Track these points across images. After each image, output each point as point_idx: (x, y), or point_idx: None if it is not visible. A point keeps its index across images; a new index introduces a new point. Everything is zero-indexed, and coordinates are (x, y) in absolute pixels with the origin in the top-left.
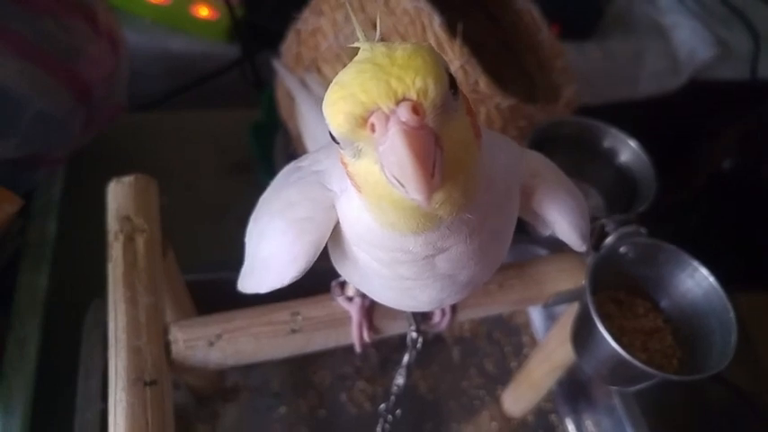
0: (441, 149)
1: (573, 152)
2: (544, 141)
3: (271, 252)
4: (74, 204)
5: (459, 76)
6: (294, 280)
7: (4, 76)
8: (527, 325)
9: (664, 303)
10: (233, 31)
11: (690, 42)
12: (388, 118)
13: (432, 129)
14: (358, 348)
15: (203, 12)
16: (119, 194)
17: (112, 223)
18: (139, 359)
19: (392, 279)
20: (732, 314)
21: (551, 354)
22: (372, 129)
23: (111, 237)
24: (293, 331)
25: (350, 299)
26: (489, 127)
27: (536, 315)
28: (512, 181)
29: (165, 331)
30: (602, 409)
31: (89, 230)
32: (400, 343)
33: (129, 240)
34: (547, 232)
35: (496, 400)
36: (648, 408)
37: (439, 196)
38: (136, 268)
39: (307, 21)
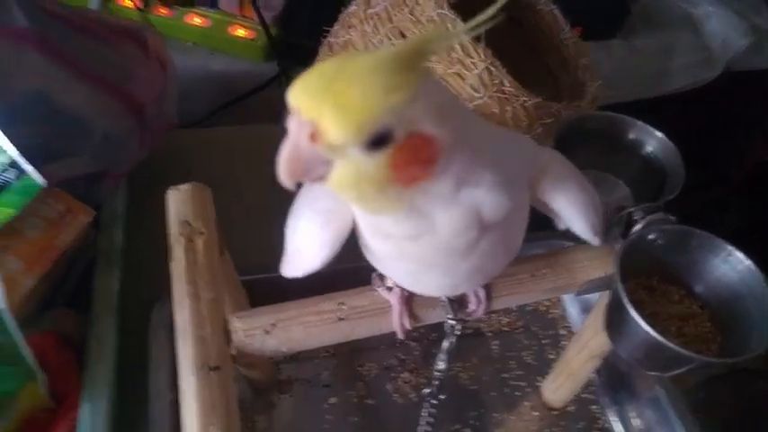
0: (327, 167)
1: (598, 146)
2: (569, 136)
3: (302, 240)
4: (136, 213)
5: (483, 78)
6: (324, 264)
7: (75, 101)
8: (563, 318)
9: (698, 289)
10: (269, 49)
11: (722, 32)
12: (298, 121)
13: (319, 153)
14: (400, 335)
15: (240, 32)
16: (177, 201)
17: (173, 227)
18: (204, 348)
19: (397, 261)
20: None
21: (587, 343)
22: None
23: (172, 239)
24: (339, 319)
25: (389, 289)
26: (516, 125)
27: (571, 308)
28: (515, 177)
29: (226, 322)
30: (646, 399)
31: (151, 236)
32: (439, 337)
33: (190, 242)
34: (562, 226)
35: (537, 391)
36: (694, 401)
37: (346, 196)
38: (196, 266)
39: (338, 34)
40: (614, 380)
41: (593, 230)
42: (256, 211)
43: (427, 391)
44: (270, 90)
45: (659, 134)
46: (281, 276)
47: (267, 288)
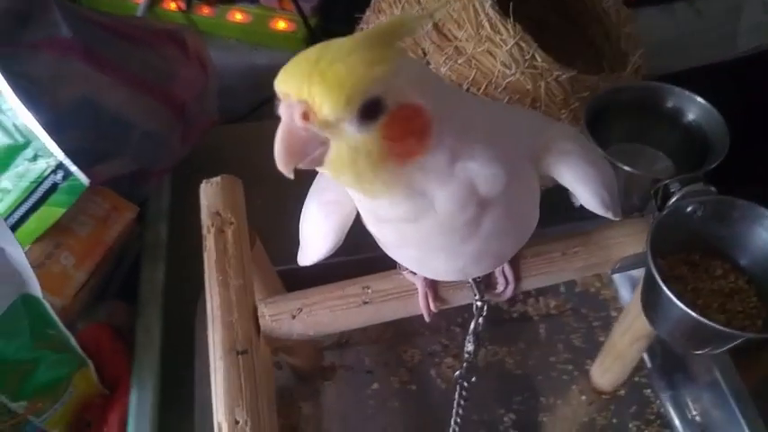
0: (322, 147)
1: (635, 118)
2: (602, 110)
3: (309, 230)
4: (180, 208)
5: (514, 53)
6: (330, 252)
7: (118, 104)
8: (615, 299)
9: (744, 263)
10: (309, 40)
11: None
12: (288, 106)
13: (313, 133)
14: (426, 317)
15: (281, 25)
16: (209, 193)
17: (205, 218)
18: (231, 332)
19: (401, 248)
20: None
21: (632, 324)
22: None
23: (204, 230)
24: (364, 303)
25: (414, 272)
26: (551, 100)
27: (623, 288)
28: (513, 151)
29: (255, 308)
30: (702, 383)
31: (195, 229)
32: (483, 323)
33: (220, 232)
34: (577, 202)
35: (585, 375)
36: (752, 382)
37: (327, 173)
38: (226, 255)
39: (368, 20)
40: (669, 363)
41: (604, 204)
42: (296, 203)
43: (458, 373)
44: None
45: (700, 100)
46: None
47: (305, 278)
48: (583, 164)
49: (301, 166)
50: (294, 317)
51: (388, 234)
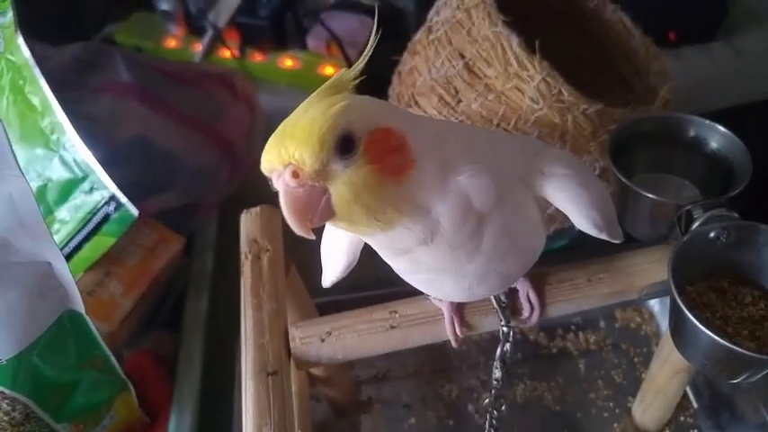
0: (324, 195)
1: (657, 148)
2: (625, 142)
3: (325, 252)
4: (226, 240)
5: (541, 89)
6: (344, 273)
7: (168, 141)
8: (656, 334)
9: None
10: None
11: None
12: (279, 176)
13: (311, 186)
14: (454, 343)
15: (329, 71)
16: (248, 222)
17: (243, 245)
18: (263, 353)
19: (412, 273)
20: None
21: (669, 355)
22: None
23: (242, 256)
24: (392, 327)
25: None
26: (579, 133)
27: (664, 323)
28: (502, 170)
29: (286, 331)
30: (751, 423)
31: (239, 261)
32: (522, 359)
33: (257, 259)
34: (576, 226)
35: (627, 412)
36: None
37: (340, 224)
38: (261, 280)
39: (405, 62)
40: (715, 402)
41: (596, 226)
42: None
43: (487, 401)
44: None
45: (722, 128)
46: (355, 297)
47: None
48: (574, 186)
49: (315, 221)
50: (323, 340)
51: (405, 263)
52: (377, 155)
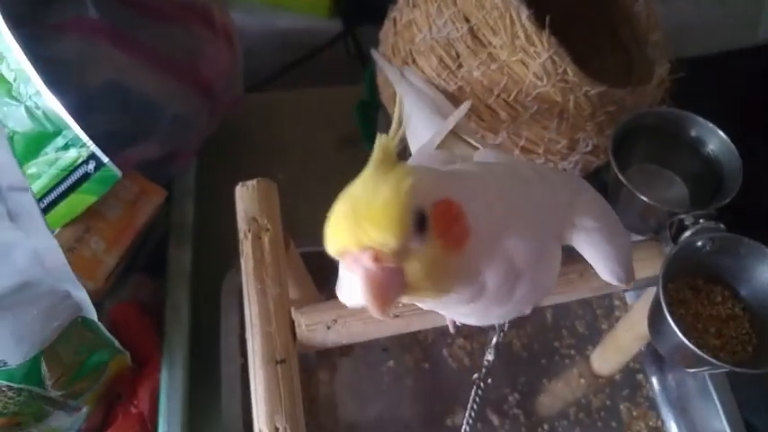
0: (402, 276)
1: (657, 141)
2: (627, 134)
3: (345, 279)
4: (206, 185)
5: (547, 66)
6: None
7: (145, 86)
8: (619, 292)
9: (743, 292)
10: (334, 4)
11: None
12: (355, 259)
13: (390, 268)
14: (452, 330)
15: None
16: (245, 197)
17: (241, 223)
18: (271, 342)
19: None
20: None
21: (635, 324)
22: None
23: (241, 235)
24: (395, 316)
25: None
26: (578, 113)
27: None
28: (546, 231)
29: (290, 316)
30: (688, 372)
31: (221, 208)
32: None
33: (257, 239)
34: None
35: (586, 360)
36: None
37: (407, 299)
38: (263, 264)
39: (402, 11)
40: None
41: (619, 280)
42: (321, 178)
43: (476, 375)
44: (335, 49)
45: (721, 134)
46: None
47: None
48: (603, 243)
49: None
50: (329, 327)
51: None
52: (443, 229)
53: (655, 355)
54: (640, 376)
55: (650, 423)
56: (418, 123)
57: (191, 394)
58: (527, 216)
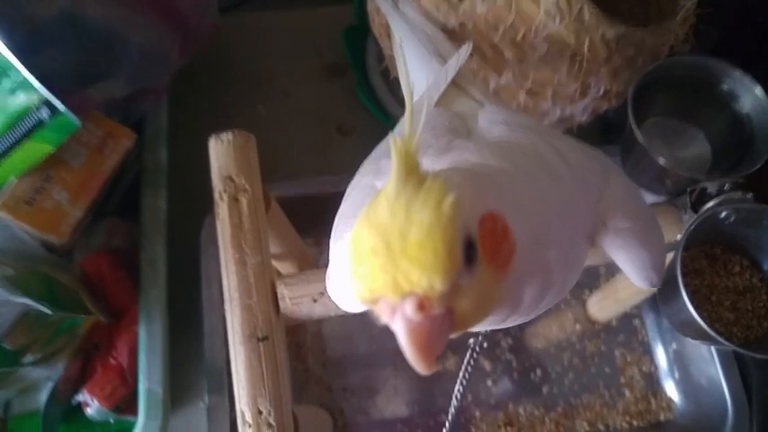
0: (451, 319)
1: (683, 93)
2: (649, 84)
3: (335, 277)
4: (180, 123)
5: (561, 4)
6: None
7: (107, 18)
8: None
9: (763, 262)
10: None
11: None
12: (393, 308)
13: (437, 315)
14: None
15: None
16: (220, 153)
17: (217, 183)
18: (251, 316)
19: None
20: None
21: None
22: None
23: (216, 195)
24: None
25: None
26: (592, 57)
27: None
28: (578, 235)
29: (273, 288)
30: (684, 315)
31: (197, 147)
32: None
33: (234, 201)
34: None
35: (582, 304)
36: None
37: (472, 322)
38: (242, 229)
39: None
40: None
41: (651, 284)
42: (305, 110)
43: (471, 340)
44: None
45: (758, 90)
46: (332, 190)
47: (317, 205)
48: (637, 248)
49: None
50: (315, 300)
51: None
52: (492, 251)
53: (652, 300)
54: (636, 321)
55: (643, 368)
56: (413, 69)
57: (171, 346)
58: (561, 221)
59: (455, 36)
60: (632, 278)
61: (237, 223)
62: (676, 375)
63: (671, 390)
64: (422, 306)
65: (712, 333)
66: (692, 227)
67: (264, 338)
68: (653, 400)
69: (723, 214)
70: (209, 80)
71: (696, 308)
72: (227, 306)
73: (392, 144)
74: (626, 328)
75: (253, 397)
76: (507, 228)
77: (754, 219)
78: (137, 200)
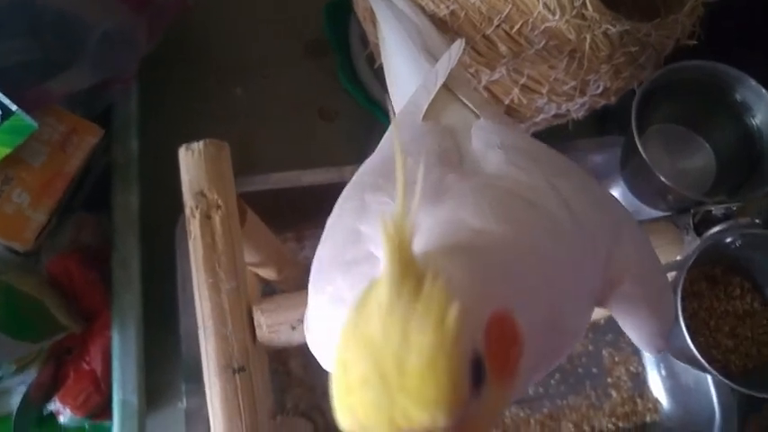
0: None
1: (691, 100)
2: (656, 90)
3: (315, 333)
4: (152, 113)
5: (563, 1)
6: None
7: (63, 2)
8: None
9: (765, 286)
10: None
11: None
12: None
13: None
14: None
15: None
16: (190, 165)
17: (188, 198)
18: (227, 346)
19: None
20: None
21: None
22: None
23: (188, 211)
24: None
25: None
26: (593, 54)
27: None
28: (586, 300)
29: (250, 315)
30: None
31: (170, 137)
32: None
33: (206, 219)
34: None
35: None
36: None
37: None
38: (215, 251)
39: None
40: None
41: (656, 351)
42: (284, 93)
43: None
44: None
45: None
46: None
47: (297, 198)
48: (646, 313)
49: None
50: (294, 328)
51: None
52: (501, 362)
53: None
54: None
55: (631, 368)
56: (400, 65)
57: (147, 344)
58: (569, 289)
59: (445, 27)
60: (637, 343)
61: (210, 244)
62: (663, 374)
63: (658, 391)
64: None
65: (708, 367)
66: (697, 253)
67: (241, 369)
68: (639, 402)
69: (729, 239)
70: (182, 64)
71: (693, 333)
72: (201, 333)
73: (383, 230)
74: (614, 327)
75: (229, 430)
76: (516, 327)
77: (760, 243)
78: (107, 194)
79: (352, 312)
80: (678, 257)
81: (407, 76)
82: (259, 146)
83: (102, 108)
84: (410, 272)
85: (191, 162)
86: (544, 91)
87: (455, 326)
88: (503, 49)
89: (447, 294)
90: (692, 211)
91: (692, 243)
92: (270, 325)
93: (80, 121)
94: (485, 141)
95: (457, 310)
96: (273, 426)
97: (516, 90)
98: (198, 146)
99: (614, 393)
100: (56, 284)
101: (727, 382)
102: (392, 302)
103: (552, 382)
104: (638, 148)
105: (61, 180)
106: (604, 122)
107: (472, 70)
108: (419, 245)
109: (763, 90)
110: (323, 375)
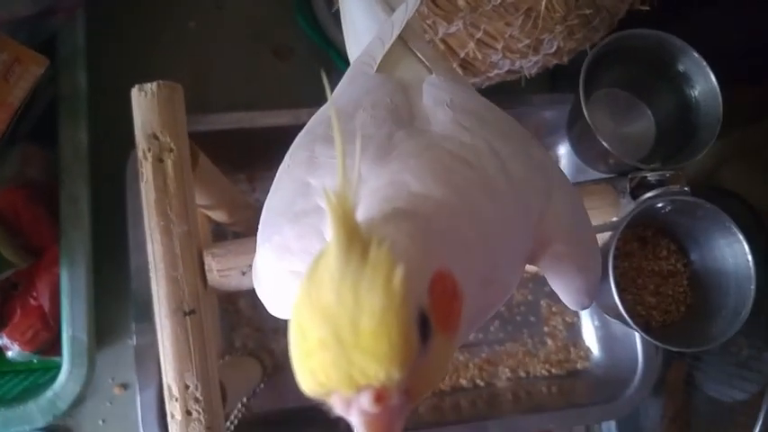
0: (410, 400)
1: (637, 66)
2: (608, 53)
3: (262, 281)
4: (100, 42)
5: None
6: None
7: None
8: None
9: (689, 248)
10: None
11: None
12: (349, 402)
13: (395, 404)
14: None
15: None
16: (143, 107)
17: (140, 140)
18: (177, 289)
19: None
20: (753, 287)
21: None
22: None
23: (140, 153)
24: None
25: None
26: (549, 15)
27: None
28: (519, 258)
29: (201, 259)
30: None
31: (120, 68)
32: None
33: (158, 161)
34: None
35: None
36: None
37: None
38: (167, 195)
39: None
40: None
41: (581, 308)
42: (239, 26)
43: None
44: None
45: (711, 76)
46: (267, 122)
47: (251, 138)
48: (574, 273)
49: None
50: (244, 273)
51: None
52: (444, 316)
53: None
54: None
55: (567, 319)
56: (357, 13)
57: (97, 281)
58: (503, 247)
59: None
60: (564, 300)
61: (162, 187)
62: (596, 324)
63: (590, 339)
64: (380, 398)
65: (631, 323)
66: (631, 216)
67: (191, 312)
68: (572, 350)
69: (660, 204)
70: None
71: (622, 290)
72: (152, 275)
73: (326, 202)
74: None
75: (180, 372)
76: (456, 284)
77: (688, 209)
78: (54, 128)
79: (304, 281)
80: (614, 219)
81: (363, 26)
82: (212, 82)
83: (46, 36)
84: (356, 240)
85: (143, 103)
86: (499, 47)
87: (401, 287)
88: (461, 2)
89: (391, 259)
90: (629, 176)
91: (628, 206)
92: (220, 270)
93: (24, 50)
94: (434, 98)
95: (401, 272)
96: (222, 365)
97: (472, 44)
98: (151, 87)
99: (549, 341)
100: (1, 220)
101: (645, 336)
102: (342, 269)
103: (491, 328)
104: (583, 113)
105: (4, 111)
106: (556, 80)
107: (429, 21)
108: (364, 207)
109: (704, 62)
110: (271, 316)
